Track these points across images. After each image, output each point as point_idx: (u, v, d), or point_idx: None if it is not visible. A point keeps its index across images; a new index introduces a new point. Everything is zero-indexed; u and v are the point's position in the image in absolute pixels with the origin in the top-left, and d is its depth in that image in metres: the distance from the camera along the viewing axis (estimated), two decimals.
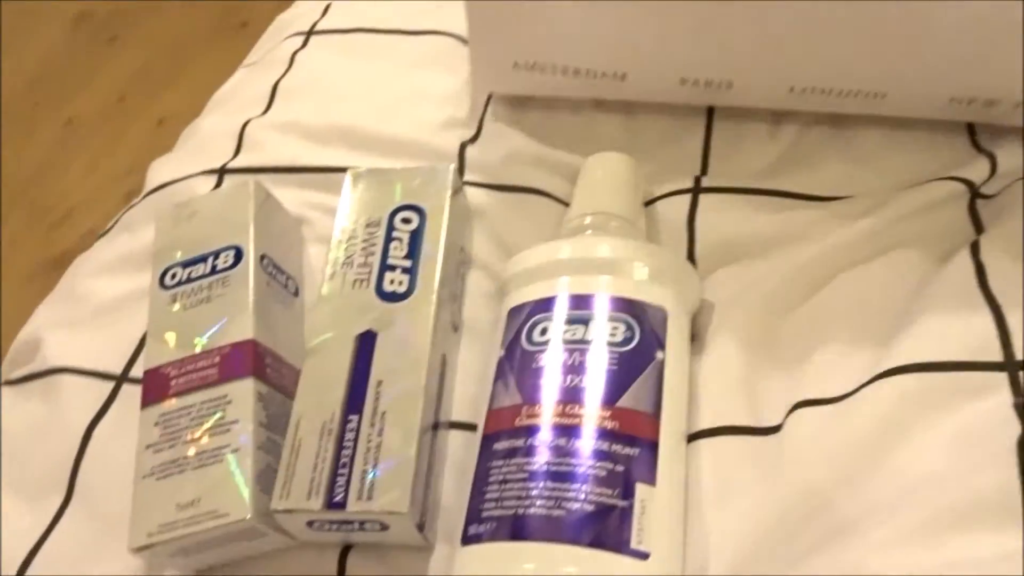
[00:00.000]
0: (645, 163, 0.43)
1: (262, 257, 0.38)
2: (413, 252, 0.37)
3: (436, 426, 0.35)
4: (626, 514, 0.30)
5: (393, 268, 0.37)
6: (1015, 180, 0.38)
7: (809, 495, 0.31)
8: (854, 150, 0.42)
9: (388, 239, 0.38)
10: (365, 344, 0.35)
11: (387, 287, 0.36)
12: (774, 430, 0.33)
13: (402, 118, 0.47)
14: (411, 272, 0.37)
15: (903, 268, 0.36)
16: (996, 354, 0.31)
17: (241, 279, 0.37)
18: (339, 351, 0.35)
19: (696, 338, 0.37)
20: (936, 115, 0.40)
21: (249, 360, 0.34)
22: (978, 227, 0.37)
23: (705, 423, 0.34)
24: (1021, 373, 0.30)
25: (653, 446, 0.32)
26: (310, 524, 0.32)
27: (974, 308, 0.33)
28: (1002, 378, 0.31)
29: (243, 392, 0.34)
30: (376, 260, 0.37)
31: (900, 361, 0.32)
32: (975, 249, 0.35)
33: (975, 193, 0.38)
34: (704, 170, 0.43)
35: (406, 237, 0.38)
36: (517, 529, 0.30)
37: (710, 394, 0.35)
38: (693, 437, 0.34)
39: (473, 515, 0.31)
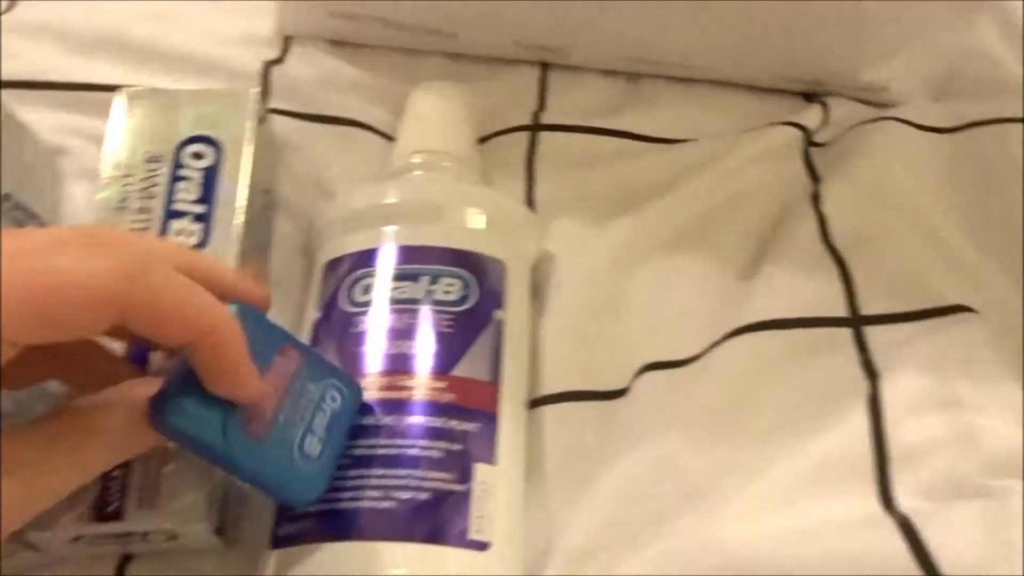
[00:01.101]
0: (481, 96, 0.38)
1: (5, 197, 0.30)
2: (208, 195, 0.31)
3: None
4: (463, 500, 0.26)
5: (182, 215, 0.30)
6: (846, 128, 0.38)
7: (660, 463, 0.28)
8: (692, 94, 0.40)
9: (175, 178, 0.31)
10: None
11: (175, 237, 0.30)
12: (620, 393, 0.31)
13: (189, 26, 0.40)
14: (205, 220, 0.30)
15: (748, 222, 0.35)
16: (842, 309, 0.30)
17: None
18: None
19: (537, 293, 0.34)
20: (767, 85, 0.40)
21: None
22: (813, 175, 0.37)
23: (547, 388, 0.31)
24: (867, 328, 0.30)
25: (492, 419, 0.28)
26: (76, 540, 0.26)
27: (819, 263, 0.32)
28: (847, 334, 0.30)
29: None
30: (159, 204, 0.31)
31: (748, 319, 0.30)
32: (816, 200, 0.34)
33: (809, 140, 0.38)
34: (541, 106, 0.40)
35: (198, 176, 0.31)
36: (338, 527, 0.26)
37: (552, 356, 0.32)
38: (535, 404, 0.31)
39: (284, 511, 0.27)
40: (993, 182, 0.35)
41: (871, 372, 0.28)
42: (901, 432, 0.26)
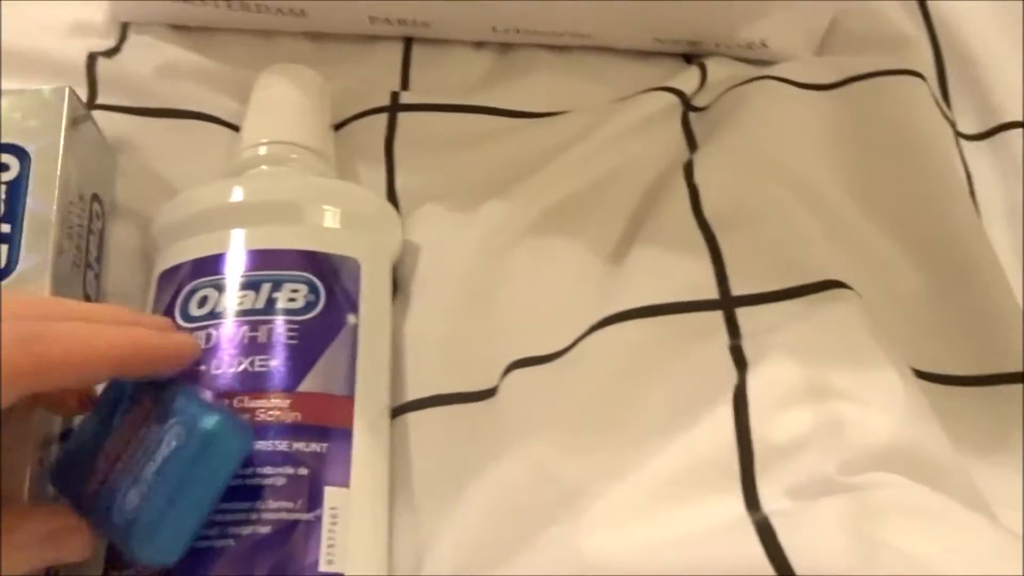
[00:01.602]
0: (334, 78, 0.35)
1: None
2: (13, 212, 0.28)
3: (65, 435, 0.27)
4: (313, 529, 0.24)
5: None
6: (724, 91, 0.36)
7: (531, 469, 0.26)
8: (566, 62, 0.38)
9: None
10: None
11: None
12: (488, 394, 0.29)
13: (8, 14, 0.36)
14: (11, 240, 0.27)
15: (622, 198, 0.33)
16: (712, 291, 0.29)
17: None
18: None
19: (399, 289, 0.31)
20: (643, 48, 0.38)
21: None
22: (691, 142, 0.35)
23: (412, 394, 0.29)
24: (739, 310, 0.28)
25: (346, 435, 0.26)
26: None
27: (690, 241, 0.30)
28: (719, 317, 0.28)
29: None
30: None
31: (617, 307, 0.28)
32: (688, 171, 0.32)
33: (687, 105, 0.36)
34: (404, 84, 0.37)
35: (2, 191, 0.28)
36: (171, 570, 0.23)
37: (417, 358, 0.29)
38: (398, 411, 0.29)
39: (112, 556, 0.24)
40: (875, 139, 0.34)
41: (740, 361, 0.26)
42: (767, 428, 0.24)
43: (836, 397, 0.24)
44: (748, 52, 0.38)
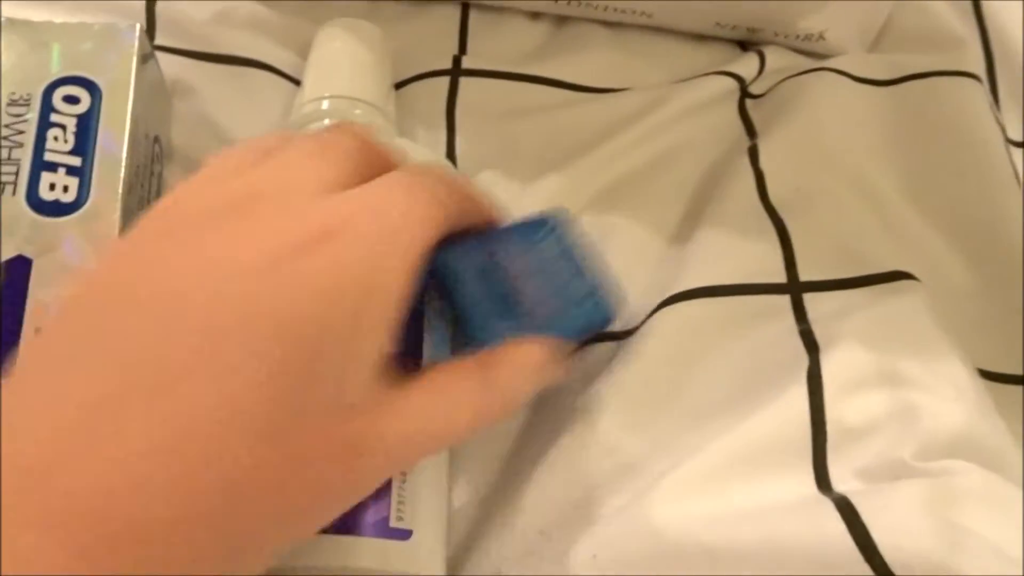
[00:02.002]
0: (395, 36, 0.35)
1: None
2: (84, 146, 0.27)
3: None
4: (385, 486, 0.24)
5: (54, 168, 0.27)
6: (782, 79, 0.36)
7: (596, 442, 0.27)
8: (622, 39, 0.38)
9: (45, 125, 0.27)
10: (15, 275, 0.25)
11: (46, 194, 0.26)
12: None
13: None
14: (82, 173, 0.27)
15: (683, 178, 0.33)
16: (780, 275, 0.29)
17: None
18: None
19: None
20: (702, 32, 0.38)
21: None
22: (749, 128, 0.35)
23: None
24: (806, 295, 0.28)
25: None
26: None
27: (757, 224, 0.30)
28: (785, 301, 0.28)
29: None
30: (27, 156, 0.27)
31: (683, 286, 0.29)
32: (754, 156, 0.32)
33: (744, 91, 0.36)
34: (463, 48, 0.37)
35: (72, 124, 0.27)
36: None
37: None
38: None
39: None
40: (931, 138, 0.34)
41: (810, 344, 0.27)
42: (840, 411, 0.25)
43: (907, 384, 0.25)
44: (805, 44, 0.38)
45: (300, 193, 0.19)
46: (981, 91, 0.35)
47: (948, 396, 0.25)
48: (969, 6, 0.40)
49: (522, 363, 0.22)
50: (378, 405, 0.19)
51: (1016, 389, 0.29)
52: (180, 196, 0.21)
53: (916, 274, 0.30)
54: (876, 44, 0.39)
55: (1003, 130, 0.36)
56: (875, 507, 0.22)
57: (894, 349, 0.26)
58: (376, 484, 0.20)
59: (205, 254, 0.18)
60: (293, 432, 0.17)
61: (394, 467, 0.20)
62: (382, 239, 0.19)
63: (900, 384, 0.25)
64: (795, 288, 0.28)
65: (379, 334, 0.19)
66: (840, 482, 0.24)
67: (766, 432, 0.25)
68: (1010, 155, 0.36)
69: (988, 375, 0.29)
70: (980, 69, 0.38)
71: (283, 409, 0.17)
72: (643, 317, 0.29)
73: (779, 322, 0.28)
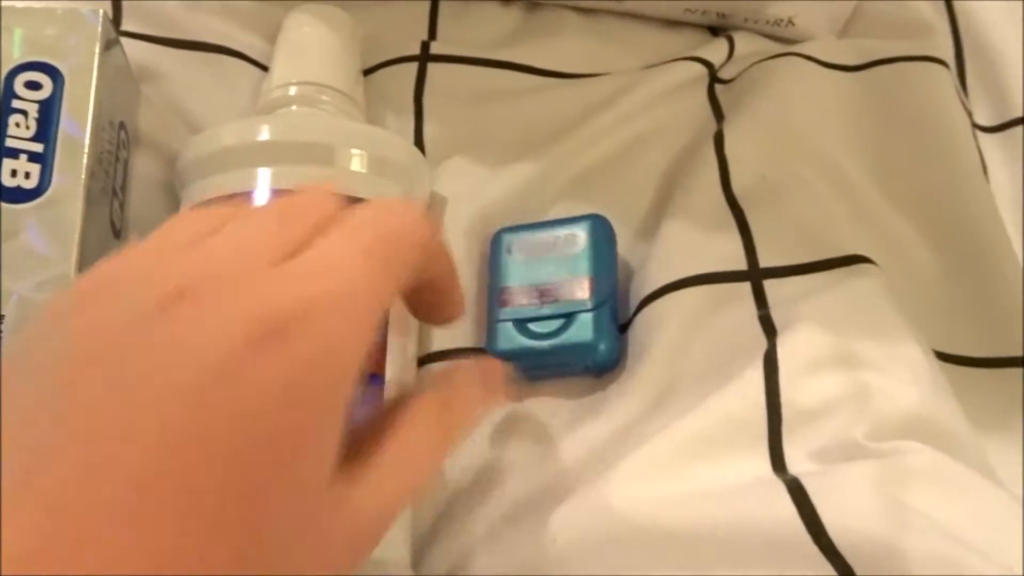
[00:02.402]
0: (363, 21, 0.35)
1: None
2: (46, 132, 0.27)
3: None
4: None
5: (16, 154, 0.27)
6: (751, 64, 0.36)
7: (566, 426, 0.27)
8: (594, 25, 0.38)
9: (7, 111, 0.27)
10: None
11: (7, 181, 0.26)
12: None
13: None
14: (44, 160, 0.27)
15: (651, 166, 0.33)
16: (740, 263, 0.29)
17: None
18: None
19: None
20: (672, 18, 0.38)
21: None
22: (717, 113, 0.35)
23: (436, 345, 0.29)
24: (766, 281, 0.29)
25: (379, 380, 0.26)
26: None
27: (718, 217, 0.30)
28: (746, 288, 0.29)
29: None
30: None
31: (649, 287, 0.29)
32: (719, 143, 0.33)
33: (714, 77, 0.36)
34: (432, 34, 0.37)
35: (34, 110, 0.27)
36: None
37: None
38: (424, 361, 0.29)
39: None
40: (898, 123, 0.34)
41: (769, 328, 0.27)
42: (795, 392, 0.25)
43: (863, 366, 0.25)
44: (775, 29, 0.38)
45: (254, 270, 0.17)
46: (948, 76, 0.35)
47: (903, 378, 0.25)
48: None
49: (476, 384, 0.22)
50: (341, 499, 0.17)
51: (978, 372, 0.29)
52: (121, 272, 0.18)
53: (882, 258, 0.30)
54: (846, 30, 0.39)
55: (970, 115, 0.37)
56: (824, 488, 0.22)
57: (850, 331, 0.26)
58: (361, 558, 0.18)
59: (136, 371, 0.16)
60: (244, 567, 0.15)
61: (373, 541, 0.18)
62: (342, 328, 0.17)
63: (855, 366, 0.25)
64: (756, 275, 0.28)
65: (338, 424, 0.17)
66: (795, 463, 0.24)
67: (723, 415, 0.25)
68: (976, 140, 0.36)
69: (951, 358, 0.30)
70: (948, 55, 0.38)
71: (229, 551, 0.15)
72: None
73: (740, 308, 0.28)
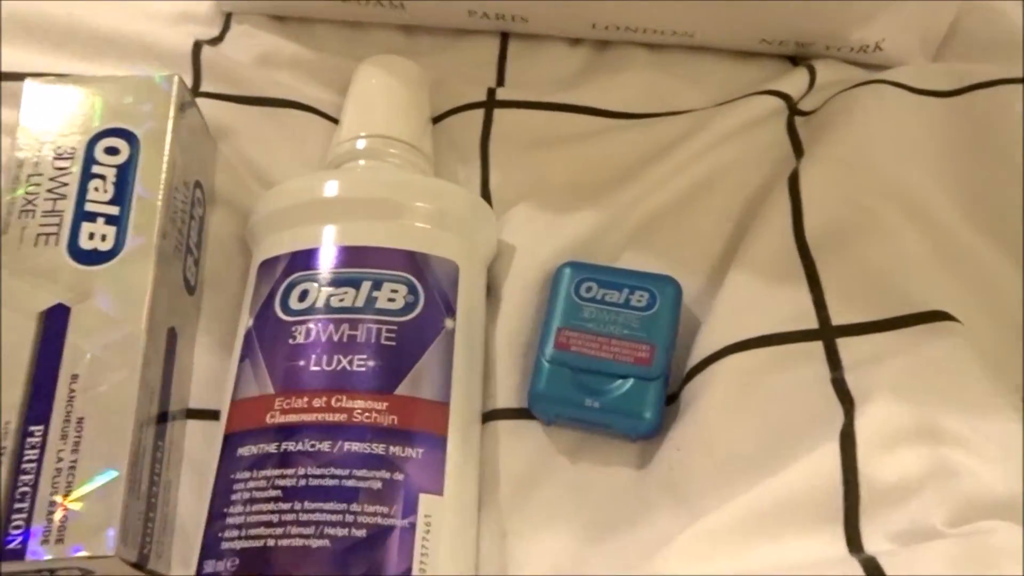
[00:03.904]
0: (432, 68, 0.35)
1: None
2: (122, 195, 0.28)
3: (164, 419, 0.27)
4: (407, 536, 0.24)
5: (94, 217, 0.27)
6: (833, 94, 0.34)
7: (624, 490, 0.26)
8: (663, 60, 0.36)
9: (87, 177, 0.28)
10: (53, 324, 0.26)
11: (85, 244, 0.27)
12: None
13: (113, 4, 0.36)
14: (119, 222, 0.27)
15: (719, 211, 0.31)
16: (812, 321, 0.27)
17: None
18: (14, 336, 0.26)
19: (491, 291, 0.31)
20: (748, 49, 0.36)
21: None
22: (797, 147, 0.33)
23: (502, 402, 0.28)
24: (839, 340, 0.27)
25: (441, 442, 0.25)
26: None
27: (787, 267, 0.29)
28: (818, 348, 0.27)
29: None
30: (70, 206, 0.28)
31: (713, 345, 0.27)
32: (793, 183, 0.31)
33: (793, 109, 0.34)
34: (500, 79, 0.36)
35: (112, 174, 0.28)
36: (266, 566, 0.23)
37: (507, 365, 0.29)
38: (488, 417, 0.28)
39: (210, 547, 0.24)
40: (996, 150, 0.32)
41: (844, 395, 0.25)
42: (874, 469, 0.23)
43: (948, 442, 0.23)
44: (861, 55, 0.36)
45: None
46: None
47: (991, 455, 0.23)
48: None
49: None
50: None
51: None
52: None
53: (975, 301, 0.28)
54: (940, 53, 0.36)
55: None
56: (901, 563, 0.20)
57: (934, 400, 0.24)
58: None
59: None
60: None
61: None
62: None
63: (939, 441, 0.23)
64: (827, 333, 0.27)
65: None
66: (872, 545, 0.22)
67: (793, 490, 0.23)
68: None
69: None
70: None
71: None
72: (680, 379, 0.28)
73: (811, 370, 0.26)
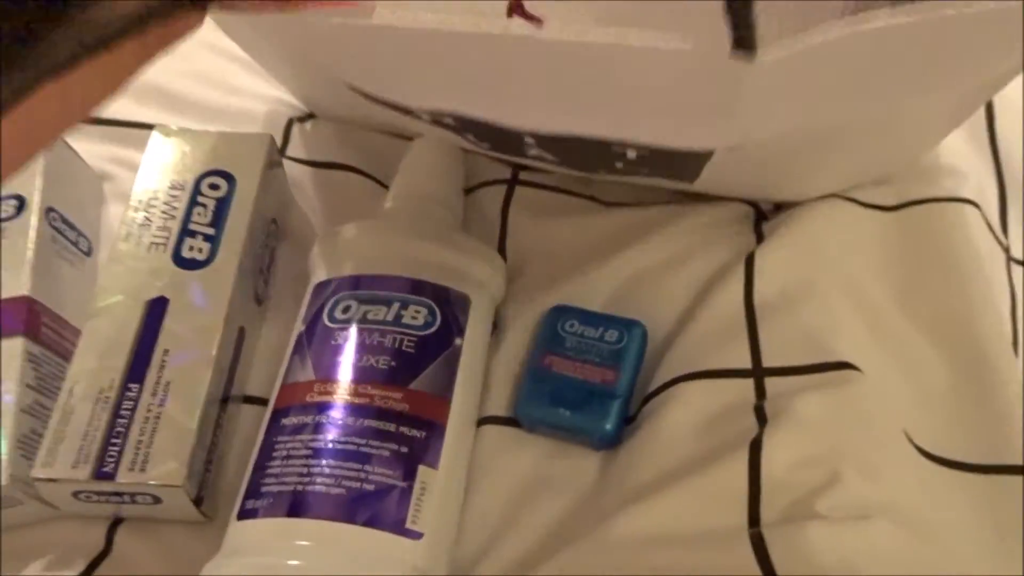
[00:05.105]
0: (468, 152, 0.43)
1: (49, 210, 0.36)
2: (218, 220, 0.36)
3: (227, 399, 0.34)
4: (405, 495, 0.30)
5: (194, 234, 0.36)
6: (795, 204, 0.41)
7: (583, 505, 0.33)
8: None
9: (192, 203, 0.36)
10: (155, 310, 0.34)
11: (185, 253, 0.35)
12: None
13: (229, 86, 0.45)
14: (213, 240, 0.35)
15: (692, 277, 0.38)
16: (747, 362, 0.34)
17: (20, 231, 0.34)
18: (126, 315, 0.33)
19: (498, 327, 0.38)
20: (734, 197, 0.42)
21: (21, 318, 0.32)
22: (760, 239, 0.40)
23: (493, 411, 0.35)
24: (767, 379, 0.33)
25: (441, 429, 0.32)
26: (76, 495, 0.31)
27: (734, 325, 0.35)
28: (749, 383, 0.33)
29: (11, 351, 0.32)
30: (176, 225, 0.36)
31: (674, 374, 0.34)
32: (750, 260, 0.37)
33: (760, 214, 0.41)
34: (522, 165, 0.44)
35: (212, 204, 0.36)
36: (295, 506, 0.30)
37: (501, 383, 0.36)
38: (482, 422, 0.35)
39: (252, 490, 0.31)
40: (925, 254, 0.38)
41: (761, 416, 0.31)
42: (772, 468, 0.29)
43: (840, 454, 0.29)
44: None
45: None
46: (977, 215, 0.39)
47: (870, 463, 0.29)
48: (985, 137, 0.44)
49: None
50: None
51: (979, 478, 0.32)
52: None
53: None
54: (887, 177, 0.43)
55: (1006, 250, 0.40)
56: (783, 540, 0.26)
57: (829, 423, 0.30)
58: None
59: None
60: None
61: None
62: None
63: (834, 454, 0.29)
64: (758, 373, 0.33)
65: None
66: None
67: (714, 480, 0.30)
68: (1010, 273, 0.39)
69: (954, 463, 0.33)
70: (992, 196, 0.42)
71: None
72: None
73: (741, 398, 0.32)
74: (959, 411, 0.34)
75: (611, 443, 0.33)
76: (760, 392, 0.32)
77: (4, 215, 0.35)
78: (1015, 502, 0.31)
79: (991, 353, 0.34)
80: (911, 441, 0.32)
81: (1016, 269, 0.40)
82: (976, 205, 0.40)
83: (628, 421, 0.34)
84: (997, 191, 0.43)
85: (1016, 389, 0.33)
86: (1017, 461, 0.32)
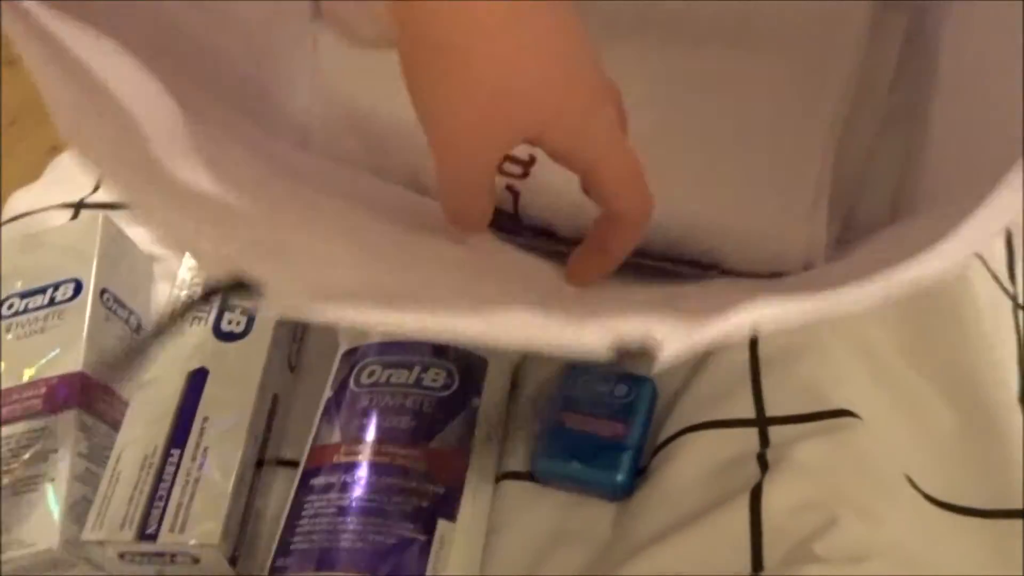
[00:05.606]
0: None
1: (103, 291, 0.39)
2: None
3: (262, 462, 0.37)
4: (425, 547, 0.32)
5: (233, 309, 0.39)
6: None
7: (599, 559, 0.34)
8: None
9: (228, 308, 0.39)
10: (196, 380, 0.36)
11: (225, 327, 0.38)
12: None
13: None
14: (249, 320, 0.38)
15: None
16: (751, 412, 0.35)
17: (78, 312, 0.38)
18: (170, 386, 0.36)
19: (517, 385, 0.40)
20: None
21: (76, 391, 0.35)
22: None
23: (512, 466, 0.37)
24: (770, 428, 0.34)
25: (459, 484, 0.34)
26: (121, 556, 0.33)
27: (737, 378, 0.36)
28: (753, 432, 0.34)
29: (66, 423, 0.35)
30: (217, 300, 0.39)
31: (682, 425, 0.35)
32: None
33: None
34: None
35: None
36: (321, 562, 0.32)
37: (520, 439, 0.37)
38: (501, 477, 0.37)
39: (282, 548, 0.33)
40: (931, 305, 0.39)
41: (763, 464, 0.32)
42: (773, 516, 0.30)
43: (838, 498, 0.30)
44: None
45: None
46: (978, 265, 0.40)
47: (875, 509, 0.30)
48: None
49: None
50: None
51: (982, 522, 0.33)
52: None
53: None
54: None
55: (1013, 299, 0.41)
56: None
57: (828, 468, 0.31)
58: None
59: None
60: None
61: None
62: None
63: (832, 497, 0.30)
64: (762, 422, 0.34)
65: None
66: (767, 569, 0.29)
67: (717, 525, 0.31)
68: (1017, 320, 0.40)
69: (957, 508, 0.33)
70: (999, 247, 0.43)
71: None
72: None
73: (747, 447, 0.33)
74: (963, 457, 0.34)
75: (624, 494, 0.35)
76: (764, 440, 0.34)
77: (63, 297, 0.38)
78: (1019, 546, 0.32)
79: (993, 400, 0.35)
80: (915, 486, 0.33)
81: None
82: (980, 257, 0.40)
83: (640, 472, 0.36)
84: (1004, 237, 0.44)
85: (1019, 434, 0.34)
86: (1020, 506, 0.32)
